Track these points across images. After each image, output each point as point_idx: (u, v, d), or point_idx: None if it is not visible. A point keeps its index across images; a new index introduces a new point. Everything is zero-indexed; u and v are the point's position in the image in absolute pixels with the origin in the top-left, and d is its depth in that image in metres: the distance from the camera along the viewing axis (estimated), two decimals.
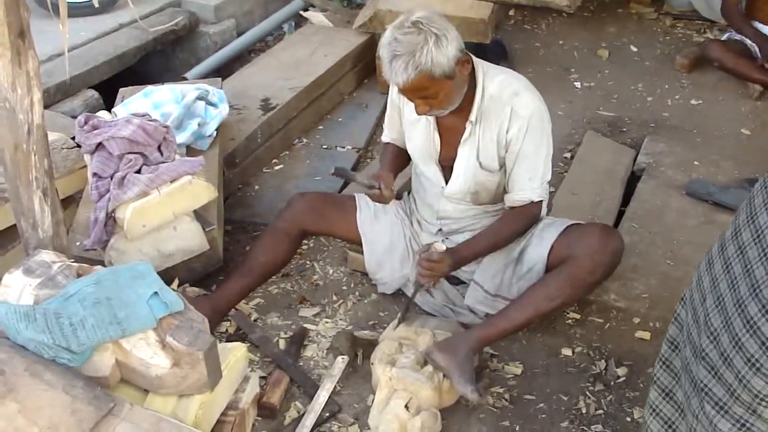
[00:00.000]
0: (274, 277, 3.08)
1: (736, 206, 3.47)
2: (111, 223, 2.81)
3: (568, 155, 4.16)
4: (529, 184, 2.72)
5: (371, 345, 2.79)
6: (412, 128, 2.84)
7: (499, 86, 2.67)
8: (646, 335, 2.94)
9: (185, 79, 4.65)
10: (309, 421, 2.52)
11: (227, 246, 3.36)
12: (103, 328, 2.03)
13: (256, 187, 3.90)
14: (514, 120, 2.65)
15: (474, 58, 2.68)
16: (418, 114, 2.63)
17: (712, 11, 5.71)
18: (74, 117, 3.68)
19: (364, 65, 4.96)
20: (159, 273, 2.23)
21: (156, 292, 2.11)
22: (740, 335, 1.59)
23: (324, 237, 3.42)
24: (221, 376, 2.22)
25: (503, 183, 2.79)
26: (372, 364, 2.69)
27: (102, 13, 5.10)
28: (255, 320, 3.01)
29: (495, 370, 2.81)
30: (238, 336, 2.93)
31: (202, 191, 2.89)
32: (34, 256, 2.25)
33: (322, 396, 2.61)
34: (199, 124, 3.43)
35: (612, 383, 2.76)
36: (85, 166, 3.15)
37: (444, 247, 2.70)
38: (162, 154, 2.93)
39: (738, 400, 1.61)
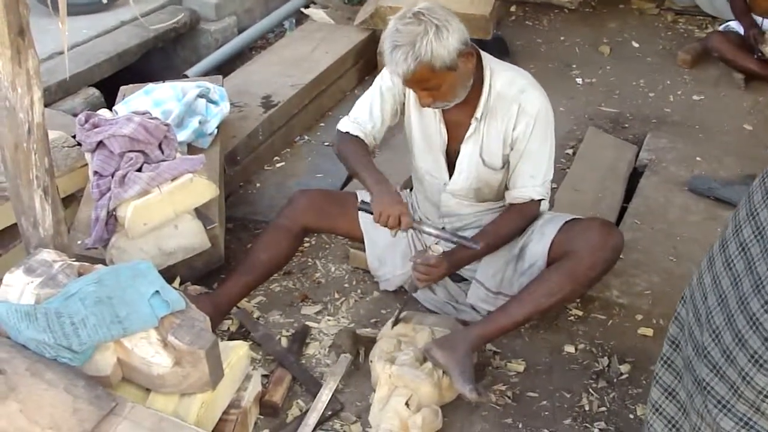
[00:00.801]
0: (275, 274, 3.07)
1: (738, 202, 3.48)
2: (112, 221, 2.81)
3: (570, 151, 4.15)
4: (531, 182, 2.72)
5: (373, 343, 2.78)
6: (418, 119, 2.82)
7: (506, 83, 2.66)
8: (649, 332, 2.94)
9: (186, 76, 4.65)
10: (312, 419, 2.52)
11: (228, 244, 3.36)
12: (104, 327, 2.02)
13: (258, 184, 3.90)
14: (521, 117, 2.64)
15: (483, 54, 2.68)
16: (422, 106, 2.62)
17: (713, 7, 5.72)
18: (75, 115, 3.68)
19: (365, 62, 4.96)
20: (160, 271, 2.22)
21: (157, 291, 2.11)
22: (743, 332, 1.59)
23: (325, 234, 3.41)
24: (223, 375, 2.21)
25: (506, 180, 2.79)
26: (371, 362, 2.68)
27: (103, 11, 5.10)
28: (257, 318, 3.01)
29: (497, 367, 2.80)
30: (240, 334, 2.92)
31: (204, 189, 2.89)
32: (35, 255, 2.25)
33: (325, 394, 2.60)
34: (200, 122, 3.42)
35: (615, 380, 2.75)
36: (86, 165, 3.14)
37: (441, 250, 2.69)
38: (163, 153, 2.92)
39: (741, 397, 1.60)
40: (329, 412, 2.57)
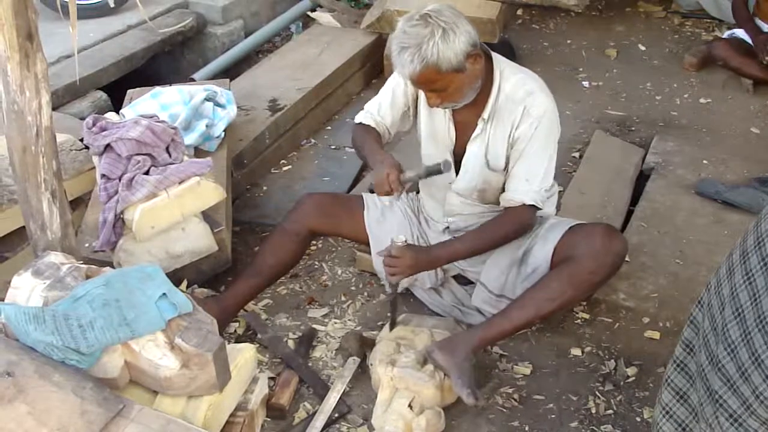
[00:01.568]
0: (282, 277, 3.08)
1: (745, 205, 3.49)
2: (120, 224, 2.81)
3: (577, 155, 4.15)
4: (525, 186, 2.68)
5: None
6: (428, 118, 2.83)
7: (515, 85, 2.66)
8: (656, 335, 2.93)
9: (193, 80, 4.67)
10: (319, 422, 2.52)
11: (236, 247, 3.37)
12: (111, 329, 2.03)
13: (265, 187, 3.90)
14: (525, 118, 2.64)
15: (494, 56, 2.68)
16: (430, 106, 2.62)
17: (720, 10, 5.71)
18: (82, 119, 3.70)
19: (371, 65, 4.97)
20: (168, 274, 2.23)
21: (165, 294, 2.11)
22: (760, 351, 1.56)
23: (332, 237, 3.42)
24: (230, 377, 2.21)
25: None
26: (371, 365, 2.69)
27: (110, 15, 5.11)
28: (264, 321, 3.01)
29: (504, 370, 2.80)
30: (247, 337, 2.93)
31: (211, 192, 2.89)
32: (43, 257, 2.25)
33: (332, 397, 2.61)
34: (207, 126, 3.43)
35: (621, 383, 2.75)
36: (94, 168, 3.15)
37: (404, 239, 2.67)
38: (170, 156, 2.93)
39: (753, 414, 1.59)
40: (336, 415, 2.58)
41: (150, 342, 2.09)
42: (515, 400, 2.68)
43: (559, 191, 3.14)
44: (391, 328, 2.81)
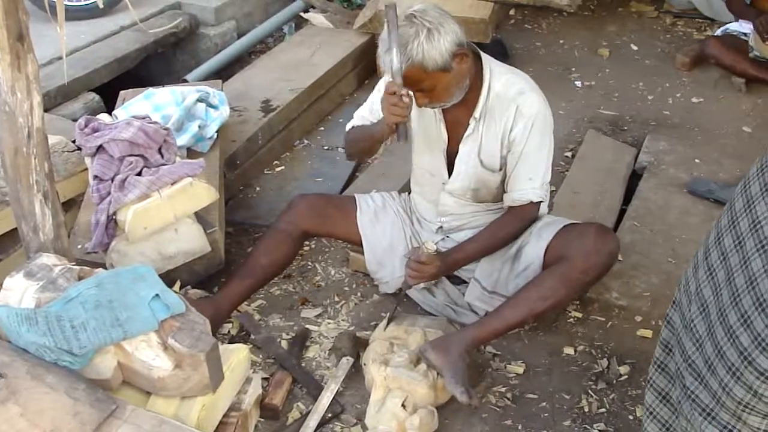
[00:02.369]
0: (275, 278, 3.08)
1: None
2: (112, 225, 2.81)
3: (569, 154, 4.16)
4: (529, 184, 2.72)
5: None
6: (418, 119, 2.83)
7: (505, 84, 2.68)
8: (648, 333, 2.94)
9: (186, 81, 4.66)
10: (313, 422, 2.52)
11: (229, 248, 3.36)
12: (104, 330, 2.03)
13: (258, 188, 3.90)
14: (518, 119, 2.65)
15: (483, 55, 2.70)
16: (418, 106, 2.63)
17: (712, 9, 5.73)
18: (74, 120, 3.69)
19: (364, 66, 4.97)
20: (160, 275, 2.23)
21: (157, 295, 2.11)
22: (722, 343, 1.58)
23: (325, 238, 3.42)
24: (223, 378, 2.22)
25: (504, 183, 2.79)
26: (364, 364, 2.69)
27: (102, 16, 5.11)
28: (257, 321, 3.01)
29: (497, 369, 2.81)
30: (241, 338, 2.93)
31: (203, 193, 2.89)
32: (35, 259, 2.25)
33: (326, 397, 2.61)
34: (199, 126, 3.43)
35: (614, 382, 2.76)
36: (86, 169, 3.15)
37: (434, 248, 2.71)
38: (162, 157, 2.93)
39: (723, 406, 1.60)
40: (329, 415, 2.58)
41: (143, 343, 2.09)
42: (508, 399, 2.68)
43: (552, 191, 3.15)
44: (387, 325, 2.82)
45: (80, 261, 2.62)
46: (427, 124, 2.81)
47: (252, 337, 2.91)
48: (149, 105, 3.45)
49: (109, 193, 2.80)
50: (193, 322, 2.14)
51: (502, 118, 2.67)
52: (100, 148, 2.89)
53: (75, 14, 4.93)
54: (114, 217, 2.80)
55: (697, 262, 1.74)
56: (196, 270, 3.04)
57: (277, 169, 4.08)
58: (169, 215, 2.82)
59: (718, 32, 5.13)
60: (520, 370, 2.80)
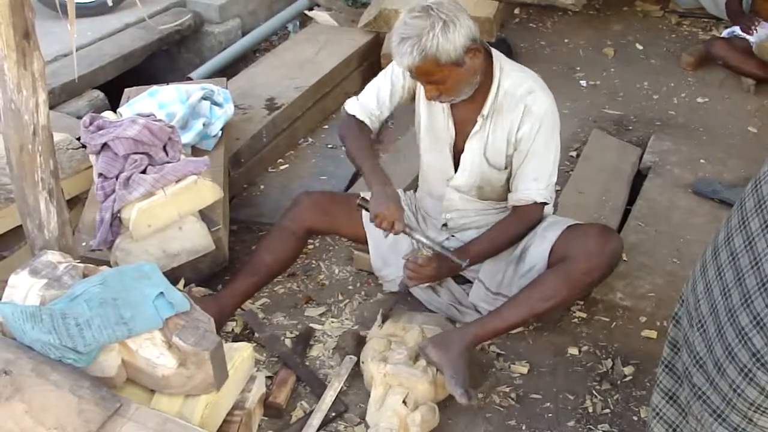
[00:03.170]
0: (279, 276, 3.08)
1: None
2: (117, 223, 2.81)
3: (574, 154, 4.15)
4: (534, 185, 2.72)
5: None
6: (427, 114, 2.83)
7: (515, 83, 2.68)
8: (653, 334, 2.94)
9: (190, 79, 4.66)
10: (316, 420, 2.52)
11: (233, 246, 3.36)
12: (109, 328, 2.03)
13: (262, 186, 3.90)
14: (526, 118, 2.65)
15: (494, 52, 2.69)
16: (428, 99, 2.63)
17: (718, 8, 5.71)
18: (79, 117, 3.69)
19: (369, 64, 4.96)
20: (165, 273, 2.22)
21: (162, 293, 2.11)
22: (733, 345, 1.57)
23: (330, 236, 3.42)
24: (227, 376, 2.21)
25: (510, 182, 2.79)
26: (362, 362, 2.69)
27: (107, 14, 5.11)
28: (261, 320, 3.01)
29: (501, 369, 2.80)
30: (245, 336, 2.93)
31: (208, 191, 2.89)
32: (40, 256, 2.25)
33: (329, 396, 2.61)
34: (204, 124, 3.43)
35: (619, 382, 2.75)
36: (91, 167, 3.15)
37: (431, 251, 2.71)
38: (167, 154, 2.93)
39: (734, 408, 1.59)
40: (333, 414, 2.58)
41: (147, 341, 2.09)
42: (512, 399, 2.68)
43: (557, 191, 3.15)
44: (382, 322, 2.82)
45: (85, 258, 2.62)
46: (435, 121, 2.81)
47: (256, 335, 2.91)
48: (154, 103, 3.46)
49: (113, 191, 2.80)
50: (197, 320, 2.13)
51: (510, 117, 2.67)
52: (104, 145, 2.89)
53: (81, 12, 4.93)
54: (118, 214, 2.80)
55: (705, 261, 1.73)
56: (201, 268, 3.04)
57: (282, 167, 4.08)
58: (174, 213, 2.82)
59: (725, 34, 5.12)
60: (525, 370, 2.80)
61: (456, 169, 2.83)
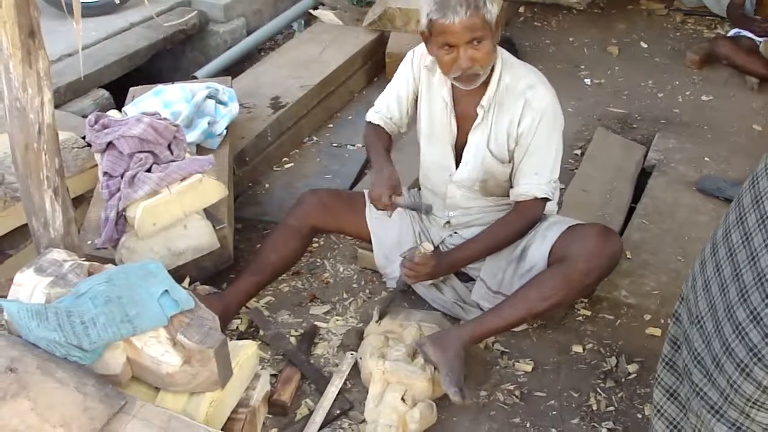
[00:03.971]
0: (284, 274, 3.09)
1: None
2: (122, 221, 2.82)
3: (579, 152, 4.15)
4: (535, 179, 2.72)
5: None
6: (428, 111, 2.84)
7: (516, 77, 2.68)
8: (657, 332, 2.94)
9: (195, 77, 4.67)
10: (319, 417, 2.52)
11: (238, 244, 3.37)
12: (114, 326, 2.04)
13: (267, 185, 3.91)
14: (526, 112, 2.65)
15: (497, 47, 2.69)
16: (464, 66, 2.55)
17: (721, 6, 5.71)
18: (85, 116, 3.70)
19: (374, 63, 4.97)
20: (170, 271, 2.23)
21: (167, 290, 2.12)
22: (730, 340, 1.57)
23: (334, 234, 3.42)
24: (232, 374, 2.22)
25: (511, 177, 2.79)
26: (360, 359, 2.70)
27: (112, 13, 5.12)
28: (266, 318, 3.01)
29: (505, 367, 2.81)
30: (249, 334, 2.93)
31: (213, 190, 2.90)
32: (45, 254, 2.26)
33: (331, 392, 2.61)
34: (209, 123, 3.44)
35: (623, 380, 2.75)
36: (96, 165, 3.16)
37: (431, 248, 2.72)
38: (172, 153, 2.94)
39: (732, 404, 1.60)
40: (337, 411, 2.58)
41: (152, 338, 2.10)
42: (516, 396, 2.68)
43: (561, 189, 3.14)
44: (379, 319, 2.82)
45: (90, 257, 2.62)
46: (436, 117, 2.81)
47: (261, 333, 2.92)
48: (159, 101, 3.46)
49: (118, 190, 2.81)
50: (202, 318, 2.14)
51: (510, 111, 2.67)
52: (110, 144, 2.89)
53: (86, 11, 4.94)
54: (123, 213, 2.80)
55: (705, 258, 1.74)
56: (205, 266, 3.05)
57: (286, 166, 4.08)
58: (179, 211, 2.82)
59: (731, 33, 5.11)
60: (529, 368, 2.80)
61: (458, 166, 2.83)
